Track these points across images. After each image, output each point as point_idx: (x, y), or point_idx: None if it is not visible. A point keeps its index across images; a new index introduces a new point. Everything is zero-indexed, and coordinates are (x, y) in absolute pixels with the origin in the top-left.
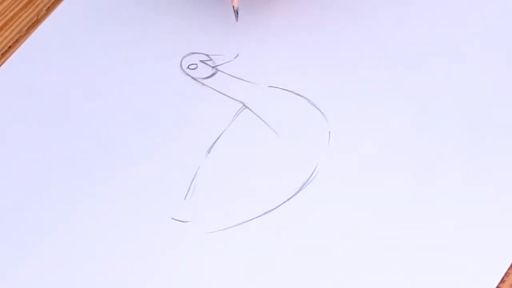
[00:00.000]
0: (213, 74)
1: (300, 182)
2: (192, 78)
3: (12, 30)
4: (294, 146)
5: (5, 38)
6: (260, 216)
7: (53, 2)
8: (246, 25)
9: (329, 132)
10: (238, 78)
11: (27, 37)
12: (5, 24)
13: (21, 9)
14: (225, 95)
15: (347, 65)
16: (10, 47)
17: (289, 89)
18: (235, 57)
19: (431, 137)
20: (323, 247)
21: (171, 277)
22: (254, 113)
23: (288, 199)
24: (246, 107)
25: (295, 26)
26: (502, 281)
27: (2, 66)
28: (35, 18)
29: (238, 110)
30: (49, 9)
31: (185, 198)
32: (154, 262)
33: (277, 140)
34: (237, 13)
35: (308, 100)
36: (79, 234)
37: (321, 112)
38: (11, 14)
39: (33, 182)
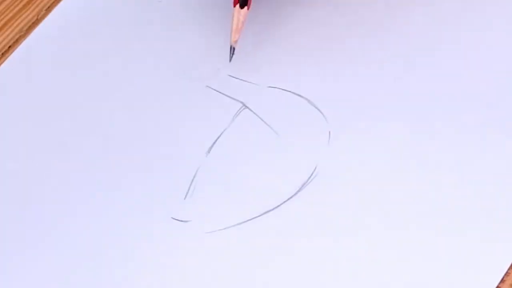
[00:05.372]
0: (213, 74)
1: (300, 182)
2: (192, 78)
3: (12, 30)
4: (294, 146)
5: (5, 38)
6: (260, 216)
7: (53, 2)
8: (246, 25)
9: (329, 132)
10: (238, 78)
11: (27, 37)
12: (5, 24)
13: (21, 9)
14: (225, 95)
15: (347, 65)
16: (10, 47)
17: (289, 89)
18: (235, 58)
19: (431, 136)
20: (323, 247)
21: (171, 277)
22: (254, 113)
23: (288, 199)
24: (246, 107)
25: (295, 26)
26: (502, 281)
27: (2, 66)
28: (35, 18)
29: (238, 110)
30: (49, 9)
31: (185, 198)
32: (154, 262)
33: (277, 140)
34: (233, 52)
35: (308, 100)
36: (78, 233)
37: (321, 112)
38: (11, 14)
39: (33, 181)
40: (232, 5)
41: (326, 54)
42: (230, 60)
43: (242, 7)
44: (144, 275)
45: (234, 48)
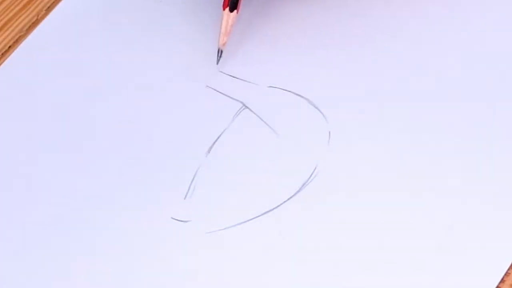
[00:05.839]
0: (213, 74)
1: (300, 182)
2: (192, 78)
3: (12, 30)
4: (294, 146)
5: (5, 38)
6: (260, 216)
7: (53, 2)
8: (246, 25)
9: (329, 132)
10: (238, 78)
11: (27, 37)
12: (5, 24)
13: (21, 9)
14: (225, 95)
15: (347, 65)
16: (10, 47)
17: (289, 89)
18: (235, 57)
19: (431, 137)
20: (323, 247)
21: (171, 277)
22: (254, 113)
23: (288, 199)
24: (246, 107)
25: (296, 26)
26: (502, 281)
27: (2, 66)
28: (35, 18)
29: (238, 110)
30: (49, 9)
31: (185, 198)
32: (154, 262)
33: (277, 140)
34: (221, 55)
35: (308, 100)
36: (78, 233)
37: (321, 112)
38: (11, 14)
39: (33, 181)
40: (221, 8)
41: (326, 54)
42: (217, 63)
43: (231, 10)
44: (144, 275)
45: (221, 51)
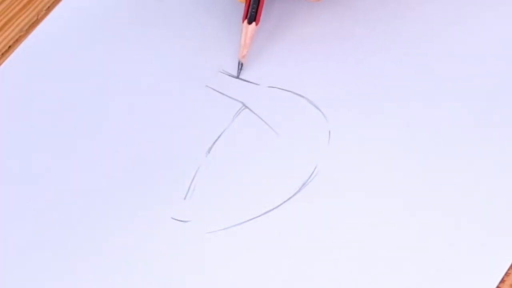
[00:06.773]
0: (213, 74)
1: (300, 182)
2: (192, 78)
3: (12, 30)
4: (294, 146)
5: (5, 38)
6: (260, 216)
7: (53, 2)
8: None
9: (329, 132)
10: (238, 78)
11: (27, 37)
12: (5, 24)
13: (21, 9)
14: (225, 95)
15: (347, 65)
16: (10, 46)
17: (289, 89)
18: (234, 57)
19: (431, 136)
20: (323, 247)
21: (171, 277)
22: (254, 113)
23: (288, 199)
24: (246, 107)
25: (295, 26)
26: (502, 281)
27: (2, 66)
28: (35, 18)
29: (238, 110)
30: (49, 9)
31: (185, 198)
32: (154, 262)
33: (277, 140)
34: (241, 67)
35: (308, 100)
36: (79, 233)
37: (321, 112)
38: (11, 14)
39: (33, 182)
40: (241, 20)
41: (326, 54)
42: (238, 75)
43: (249, 23)
44: (144, 275)
45: (242, 64)
